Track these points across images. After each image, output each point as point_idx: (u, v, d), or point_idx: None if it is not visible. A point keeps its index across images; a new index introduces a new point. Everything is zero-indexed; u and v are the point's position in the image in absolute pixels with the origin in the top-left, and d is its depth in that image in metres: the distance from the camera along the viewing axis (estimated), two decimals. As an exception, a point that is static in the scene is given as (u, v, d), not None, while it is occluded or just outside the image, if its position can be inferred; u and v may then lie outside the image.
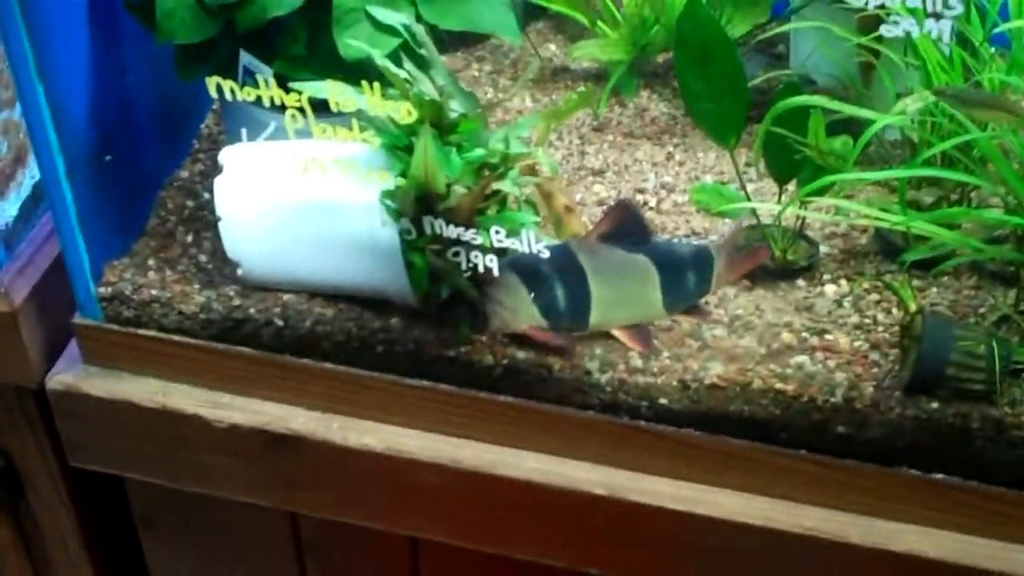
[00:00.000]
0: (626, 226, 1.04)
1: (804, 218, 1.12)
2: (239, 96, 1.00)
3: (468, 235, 1.00)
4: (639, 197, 1.24)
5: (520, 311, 1.02)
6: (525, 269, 1.01)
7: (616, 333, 1.05)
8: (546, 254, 0.98)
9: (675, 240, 1.14)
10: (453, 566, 1.26)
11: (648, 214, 1.21)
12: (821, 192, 1.05)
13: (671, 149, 1.30)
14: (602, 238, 1.04)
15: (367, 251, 1.06)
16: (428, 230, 1.01)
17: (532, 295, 1.02)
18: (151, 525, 1.34)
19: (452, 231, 1.00)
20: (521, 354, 1.08)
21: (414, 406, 1.13)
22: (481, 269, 1.01)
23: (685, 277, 1.05)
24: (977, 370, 0.99)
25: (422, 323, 1.09)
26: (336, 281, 1.11)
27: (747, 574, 1.10)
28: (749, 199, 1.14)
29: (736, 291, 1.13)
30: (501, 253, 1.00)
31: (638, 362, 1.08)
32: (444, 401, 1.11)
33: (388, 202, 1.02)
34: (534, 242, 0.98)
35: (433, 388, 1.11)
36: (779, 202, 1.11)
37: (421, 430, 1.14)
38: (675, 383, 1.06)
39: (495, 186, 1.02)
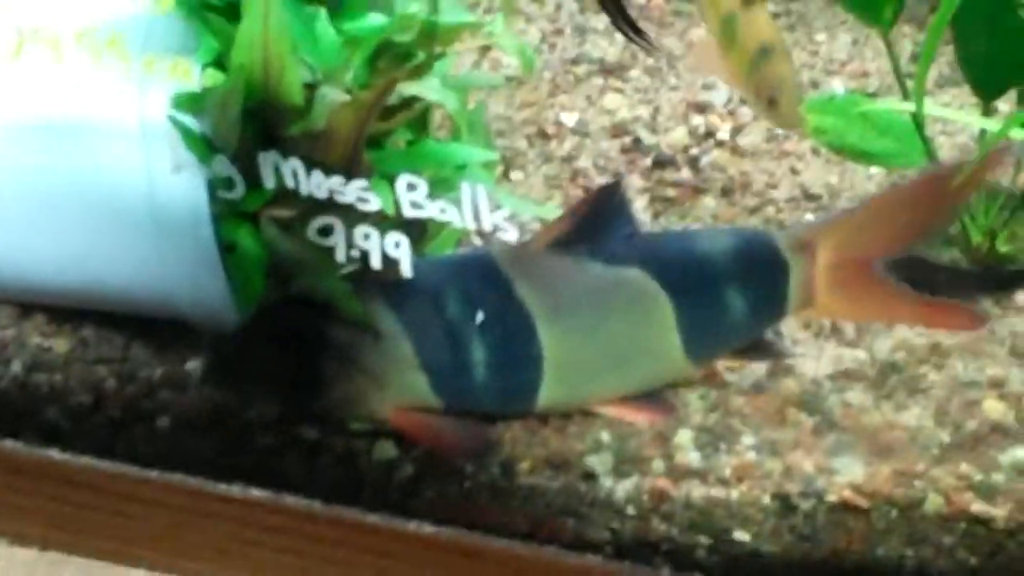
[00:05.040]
0: (603, 223, 0.82)
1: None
2: None
3: (351, 191, 0.78)
4: (697, 120, 1.03)
5: (390, 380, 0.80)
6: (410, 301, 0.81)
7: (602, 409, 0.84)
8: (453, 270, 0.82)
9: (698, 231, 0.95)
10: None
11: (717, 156, 1.00)
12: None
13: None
14: (559, 246, 0.81)
15: (140, 222, 0.83)
16: (269, 180, 0.79)
17: (417, 349, 0.80)
18: None
19: (318, 182, 0.78)
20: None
21: (228, 537, 0.88)
22: (376, 263, 0.78)
23: (726, 300, 0.83)
24: None
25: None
26: (77, 282, 0.89)
27: None
28: (920, 125, 0.89)
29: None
30: (413, 231, 0.79)
31: (692, 456, 0.81)
32: (292, 530, 0.87)
33: (187, 120, 0.82)
34: (487, 210, 0.76)
35: (273, 503, 0.87)
36: (981, 131, 0.92)
37: (239, 585, 0.90)
38: (766, 500, 0.81)
39: (407, 91, 0.84)
